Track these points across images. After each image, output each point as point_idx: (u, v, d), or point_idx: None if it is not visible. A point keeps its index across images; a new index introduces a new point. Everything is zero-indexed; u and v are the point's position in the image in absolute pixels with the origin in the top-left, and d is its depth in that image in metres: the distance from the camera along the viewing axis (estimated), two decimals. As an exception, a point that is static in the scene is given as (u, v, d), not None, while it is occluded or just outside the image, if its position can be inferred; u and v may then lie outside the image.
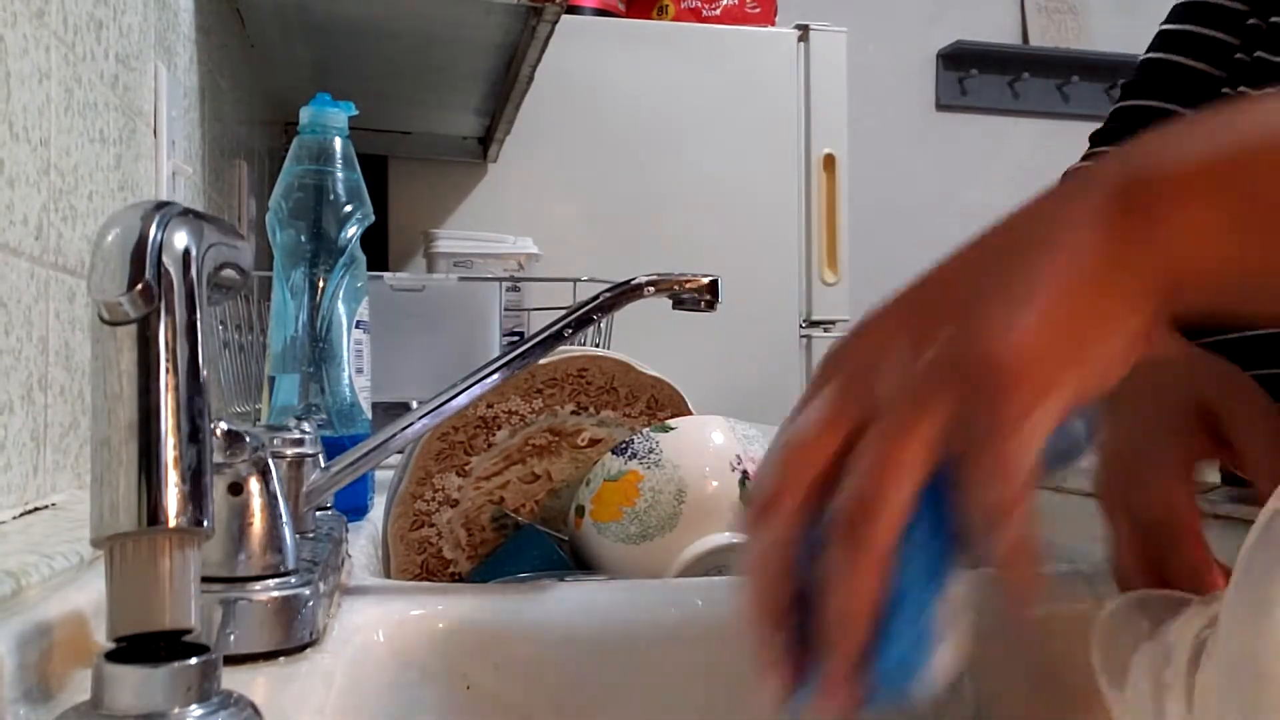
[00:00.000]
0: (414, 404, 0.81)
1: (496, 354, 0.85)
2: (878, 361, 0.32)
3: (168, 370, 0.27)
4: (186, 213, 0.29)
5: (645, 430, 0.69)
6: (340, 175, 0.65)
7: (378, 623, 0.46)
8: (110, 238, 0.27)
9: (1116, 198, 0.32)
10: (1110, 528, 0.48)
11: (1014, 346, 0.30)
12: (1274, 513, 0.31)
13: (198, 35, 0.99)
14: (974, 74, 3.02)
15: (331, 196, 0.65)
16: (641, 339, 1.56)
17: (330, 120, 0.65)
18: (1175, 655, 0.33)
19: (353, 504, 0.66)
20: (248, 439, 0.38)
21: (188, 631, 0.28)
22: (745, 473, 0.66)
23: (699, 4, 2.09)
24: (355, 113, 0.67)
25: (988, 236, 0.34)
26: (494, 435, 0.68)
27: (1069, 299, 0.31)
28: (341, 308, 0.65)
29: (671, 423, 0.70)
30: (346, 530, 0.54)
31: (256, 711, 0.29)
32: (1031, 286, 0.31)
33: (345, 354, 0.65)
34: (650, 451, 0.67)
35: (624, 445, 0.68)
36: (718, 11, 2.09)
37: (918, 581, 0.29)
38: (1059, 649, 0.51)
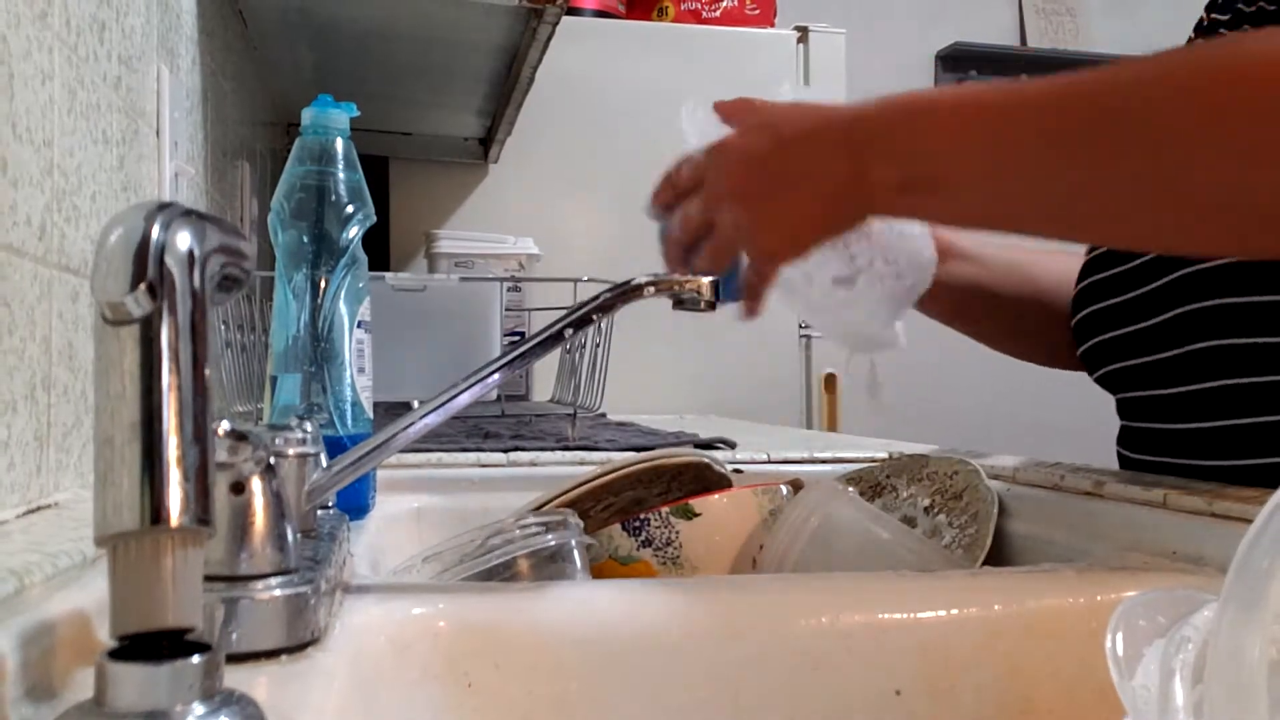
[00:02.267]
0: (415, 403, 0.81)
1: (497, 353, 0.85)
2: (718, 196, 0.64)
3: (170, 370, 0.28)
4: (189, 213, 0.29)
5: (664, 511, 0.63)
6: (342, 176, 0.65)
7: (379, 622, 0.46)
8: (113, 238, 0.27)
9: (844, 170, 0.58)
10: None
11: (767, 250, 0.63)
12: (1274, 510, 0.31)
13: (200, 37, 0.99)
14: (972, 75, 3.02)
15: (333, 197, 0.65)
16: (641, 339, 1.57)
17: (332, 121, 0.66)
18: (1186, 646, 0.34)
19: (354, 503, 0.66)
20: (250, 438, 0.38)
21: (190, 630, 0.28)
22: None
23: (699, 5, 2.09)
24: (357, 114, 0.67)
25: (791, 145, 0.62)
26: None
27: (810, 221, 0.61)
28: (343, 308, 0.65)
29: (695, 504, 0.64)
30: (348, 529, 0.55)
31: (259, 710, 0.29)
32: (790, 210, 0.61)
33: (347, 354, 0.65)
34: (668, 543, 0.62)
35: (639, 524, 0.63)
36: (717, 13, 2.10)
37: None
38: (1053, 644, 0.51)
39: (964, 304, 0.88)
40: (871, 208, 0.60)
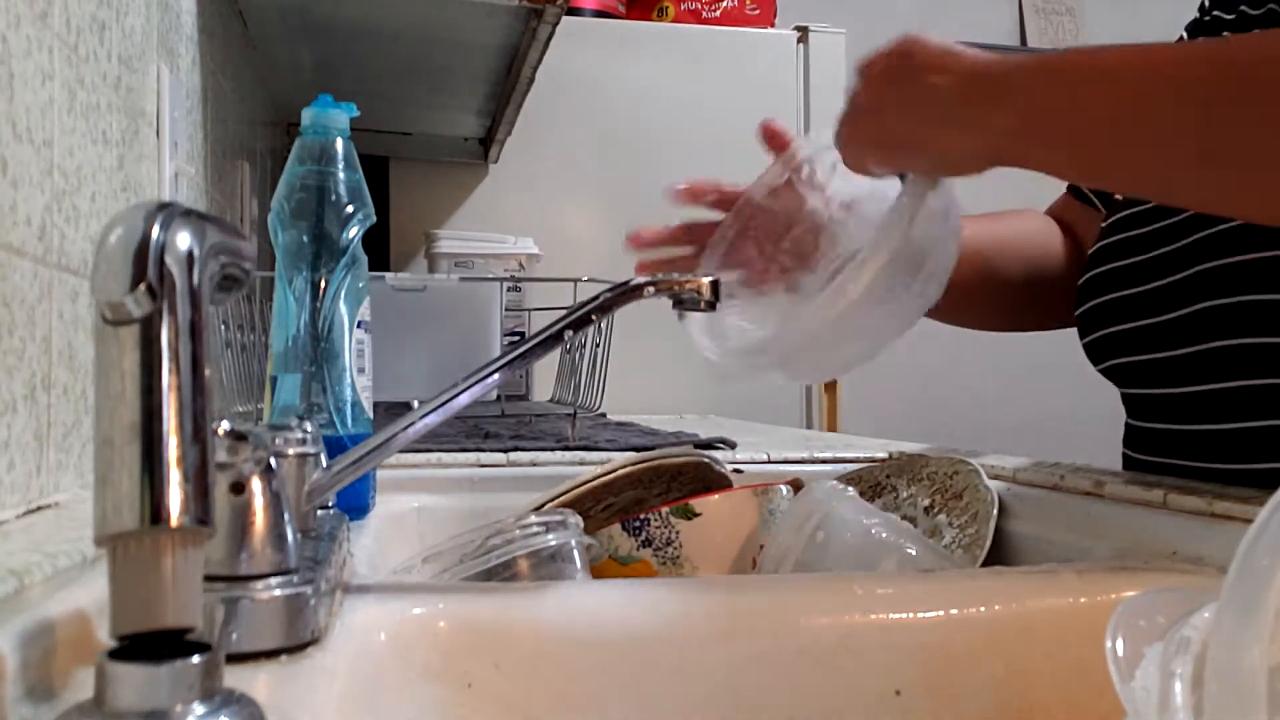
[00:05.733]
0: (415, 403, 0.80)
1: (497, 354, 0.85)
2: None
3: (170, 370, 0.28)
4: (189, 213, 0.29)
5: (664, 511, 0.63)
6: (342, 176, 0.65)
7: (379, 621, 0.46)
8: (113, 238, 0.27)
9: (961, 124, 0.59)
10: None
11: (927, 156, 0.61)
12: (1274, 510, 0.31)
13: (200, 36, 0.99)
14: (974, 75, 3.02)
15: (333, 197, 0.65)
16: (641, 339, 1.57)
17: (332, 121, 0.66)
18: (1186, 646, 0.34)
19: (354, 503, 0.66)
20: (250, 438, 0.38)
21: (190, 630, 0.28)
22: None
23: (699, 5, 2.09)
24: (357, 114, 0.67)
25: (913, 105, 0.61)
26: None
27: (941, 152, 0.60)
28: (343, 308, 0.65)
29: (695, 504, 0.64)
30: (348, 529, 0.55)
31: (259, 709, 0.29)
32: (894, 129, 0.62)
33: (347, 354, 0.65)
34: (668, 543, 0.63)
35: (639, 524, 0.63)
36: (717, 13, 2.10)
37: None
38: (1053, 644, 0.51)
39: (969, 296, 0.88)
40: (990, 155, 0.59)
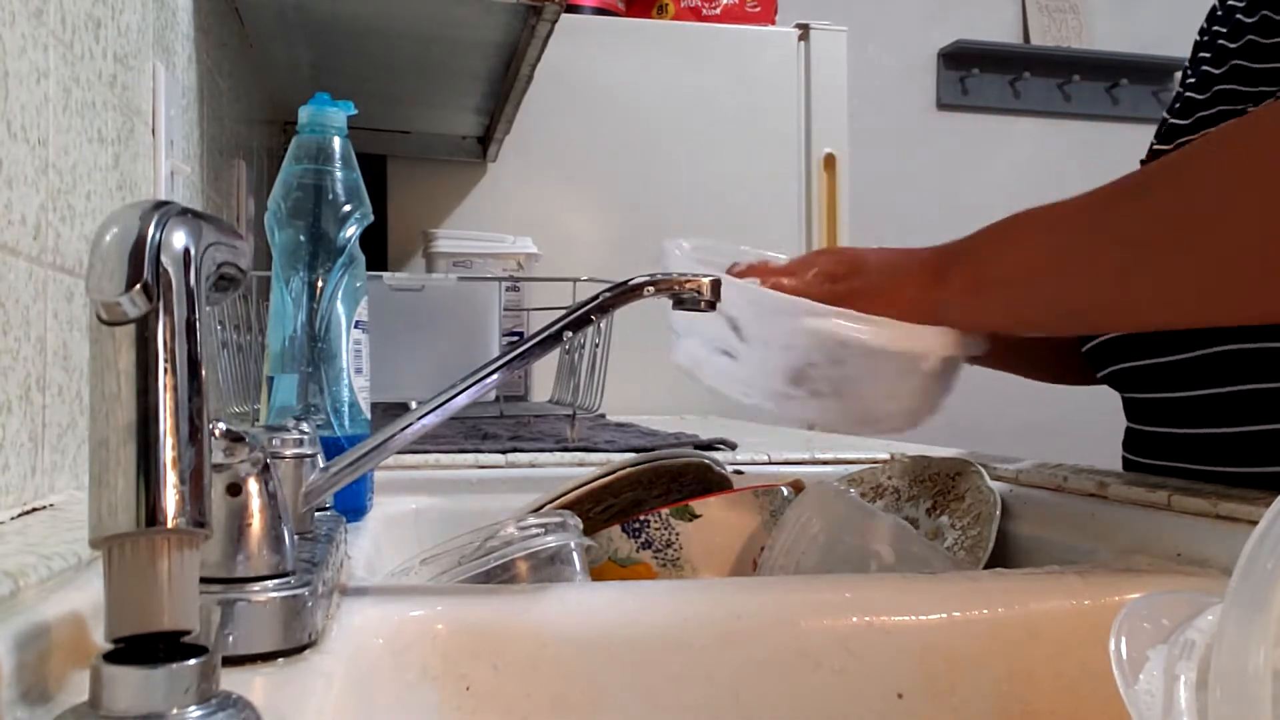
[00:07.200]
0: (413, 404, 0.80)
1: (496, 354, 0.85)
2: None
3: (166, 370, 0.27)
4: (185, 212, 0.28)
5: (664, 512, 0.63)
6: (339, 175, 0.65)
7: (377, 624, 0.46)
8: (108, 237, 0.27)
9: (925, 279, 0.66)
10: None
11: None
12: (1279, 513, 0.31)
13: (196, 34, 0.99)
14: (975, 73, 3.02)
15: (330, 196, 0.64)
16: (641, 339, 1.56)
17: (329, 120, 0.65)
18: (1190, 649, 0.33)
19: (352, 504, 0.65)
20: (246, 439, 0.38)
21: (186, 632, 0.28)
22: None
23: (699, 3, 2.09)
24: (354, 112, 0.67)
25: (870, 270, 0.69)
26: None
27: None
28: (340, 308, 0.65)
29: (695, 506, 0.64)
30: (346, 531, 0.54)
31: (255, 713, 0.29)
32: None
33: (344, 354, 0.65)
34: (668, 544, 0.63)
35: (638, 526, 0.63)
36: (718, 10, 2.09)
37: None
38: (1056, 646, 0.51)
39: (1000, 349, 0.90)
40: (943, 316, 0.66)
